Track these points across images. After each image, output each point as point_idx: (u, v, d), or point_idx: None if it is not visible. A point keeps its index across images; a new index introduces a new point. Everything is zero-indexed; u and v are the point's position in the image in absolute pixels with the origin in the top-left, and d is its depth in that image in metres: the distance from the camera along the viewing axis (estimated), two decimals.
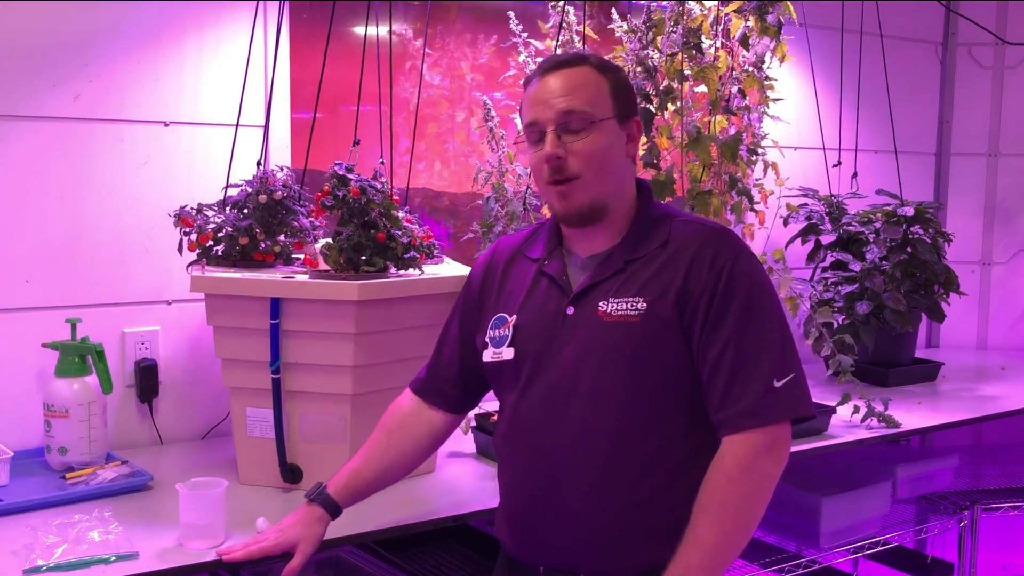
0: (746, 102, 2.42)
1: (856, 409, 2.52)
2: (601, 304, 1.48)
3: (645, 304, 1.46)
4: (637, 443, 1.46)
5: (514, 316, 1.57)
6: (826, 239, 3.14)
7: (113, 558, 1.60)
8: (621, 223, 1.55)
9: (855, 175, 3.25)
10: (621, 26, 2.49)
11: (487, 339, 1.59)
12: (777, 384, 1.45)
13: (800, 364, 1.50)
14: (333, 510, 1.66)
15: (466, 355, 1.68)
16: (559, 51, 2.42)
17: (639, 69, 2.35)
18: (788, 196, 3.01)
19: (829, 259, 3.13)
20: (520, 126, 1.63)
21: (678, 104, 2.34)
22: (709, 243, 1.48)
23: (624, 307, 1.47)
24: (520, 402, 1.55)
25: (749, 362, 1.45)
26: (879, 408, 2.51)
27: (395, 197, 2.13)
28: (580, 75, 1.51)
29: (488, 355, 1.59)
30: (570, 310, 1.51)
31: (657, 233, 1.52)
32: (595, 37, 2.53)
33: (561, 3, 2.44)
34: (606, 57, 2.45)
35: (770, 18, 2.33)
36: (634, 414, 1.46)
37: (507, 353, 1.55)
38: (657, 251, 1.50)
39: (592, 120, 1.49)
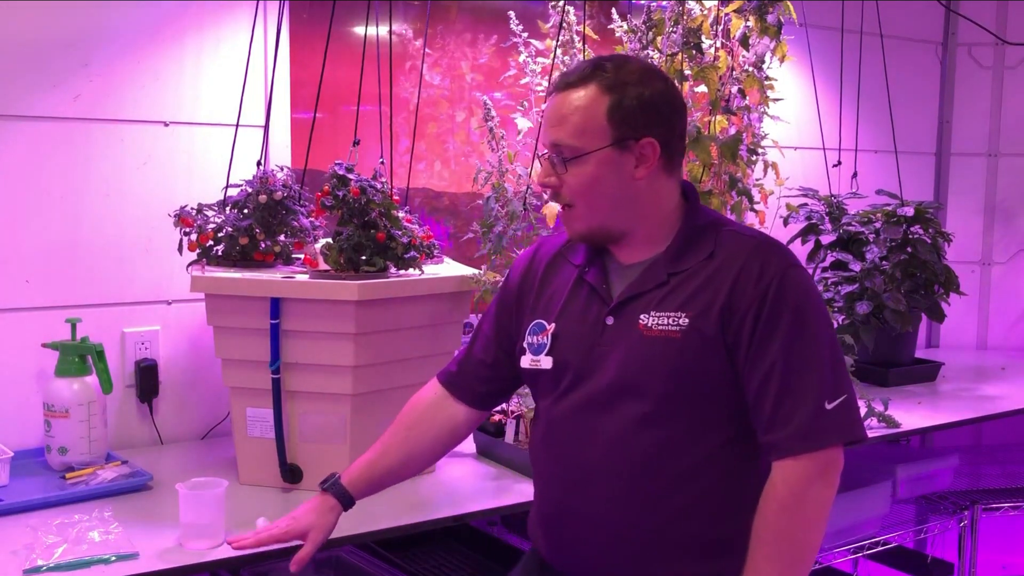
0: (746, 102, 2.42)
1: None
2: (642, 317, 1.43)
3: (687, 320, 1.41)
4: (671, 459, 1.42)
5: (552, 324, 1.52)
6: (826, 239, 3.14)
7: (113, 558, 1.60)
8: (662, 233, 1.48)
9: (855, 175, 3.25)
10: (621, 26, 2.49)
11: (525, 345, 1.55)
12: (828, 406, 1.39)
13: (851, 384, 1.44)
14: (346, 501, 1.61)
15: (499, 354, 1.64)
16: (559, 51, 2.42)
17: None
18: (788, 196, 3.01)
19: (829, 259, 3.13)
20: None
21: None
22: (756, 256, 1.42)
23: (666, 322, 1.42)
24: (556, 410, 1.51)
25: (799, 382, 1.38)
26: (879, 408, 2.51)
27: (395, 197, 2.13)
28: (577, 100, 1.44)
29: (526, 362, 1.54)
30: (609, 320, 1.47)
31: (704, 244, 1.46)
32: (595, 37, 2.53)
33: (561, 3, 2.44)
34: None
35: (770, 18, 2.33)
36: (670, 430, 1.42)
37: (545, 362, 1.51)
38: (702, 264, 1.44)
39: (578, 153, 1.43)
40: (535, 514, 1.59)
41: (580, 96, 1.44)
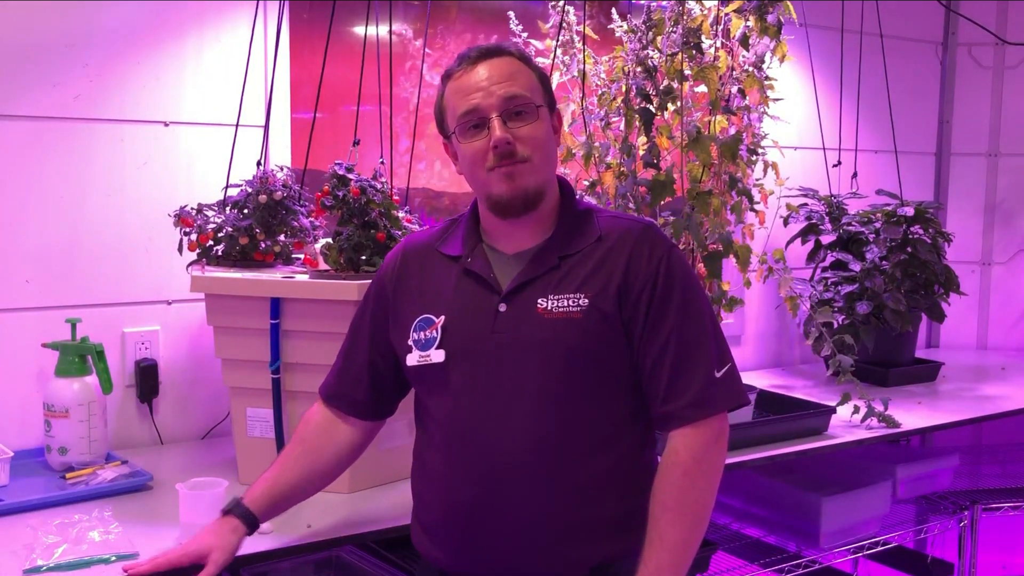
0: (746, 102, 2.42)
1: (856, 409, 2.52)
2: (540, 301, 1.47)
3: (587, 300, 1.46)
4: (581, 438, 1.46)
5: (442, 316, 1.51)
6: (826, 239, 3.14)
7: (113, 558, 1.60)
8: (547, 218, 1.54)
9: (855, 175, 3.25)
10: (621, 26, 2.49)
11: (411, 343, 1.53)
12: (717, 374, 1.48)
13: (730, 352, 1.53)
14: (250, 521, 1.59)
15: (377, 359, 1.63)
16: (559, 51, 2.42)
17: (639, 69, 2.35)
18: (788, 196, 3.01)
19: (829, 259, 3.13)
20: (443, 122, 1.57)
21: (678, 104, 2.34)
22: (645, 239, 1.50)
23: (566, 303, 1.46)
24: (456, 406, 1.50)
25: (691, 355, 1.47)
26: (879, 408, 2.51)
27: (395, 197, 2.13)
28: (512, 64, 1.51)
29: (414, 359, 1.52)
30: (502, 307, 1.48)
31: (588, 229, 1.53)
32: (595, 37, 2.53)
33: (561, 3, 2.43)
34: (603, 60, 2.45)
35: (770, 18, 2.33)
36: (577, 409, 1.46)
37: (436, 356, 1.50)
38: (593, 246, 1.51)
39: (536, 105, 1.50)
40: (430, 522, 1.56)
41: (513, 61, 1.52)
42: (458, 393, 1.50)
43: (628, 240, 1.50)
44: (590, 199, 2.41)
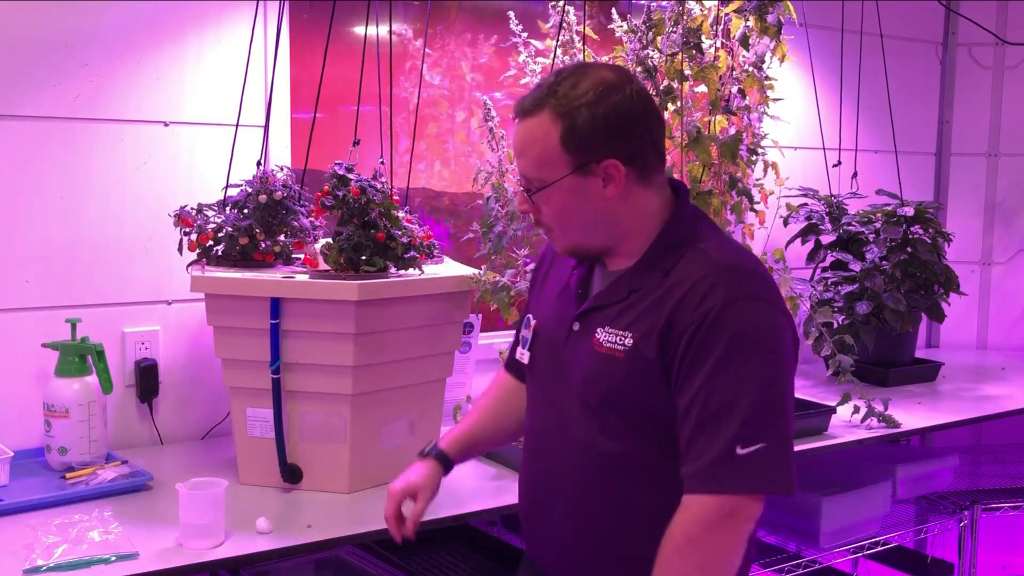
0: (746, 102, 2.42)
1: (856, 409, 2.52)
2: (598, 331, 1.43)
3: (631, 340, 1.38)
4: (616, 472, 1.42)
5: (535, 320, 1.56)
6: (826, 239, 3.14)
7: (113, 558, 1.60)
8: (643, 243, 1.44)
9: (855, 175, 3.25)
10: (621, 26, 2.49)
11: (520, 336, 1.61)
12: (740, 451, 1.30)
13: (781, 435, 1.34)
14: (446, 464, 1.64)
15: None
16: (559, 51, 2.42)
17: (639, 69, 2.35)
18: (788, 196, 3.01)
19: (829, 259, 3.13)
20: None
21: (678, 104, 2.34)
22: (708, 279, 1.35)
23: (614, 339, 1.40)
24: (531, 406, 1.57)
25: (714, 419, 1.31)
26: (879, 408, 2.51)
27: (395, 197, 2.13)
28: (532, 129, 1.40)
29: (518, 353, 1.60)
30: (576, 326, 1.47)
31: (664, 263, 1.41)
32: (595, 37, 2.53)
33: (561, 3, 2.43)
34: (605, 59, 2.45)
35: (770, 18, 2.33)
36: (618, 446, 1.41)
37: (524, 356, 1.56)
38: (658, 282, 1.40)
39: (542, 185, 1.41)
40: (520, 505, 1.62)
41: (536, 123, 1.39)
42: (533, 394, 1.56)
43: (690, 279, 1.36)
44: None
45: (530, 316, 1.58)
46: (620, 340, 1.39)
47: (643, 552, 1.37)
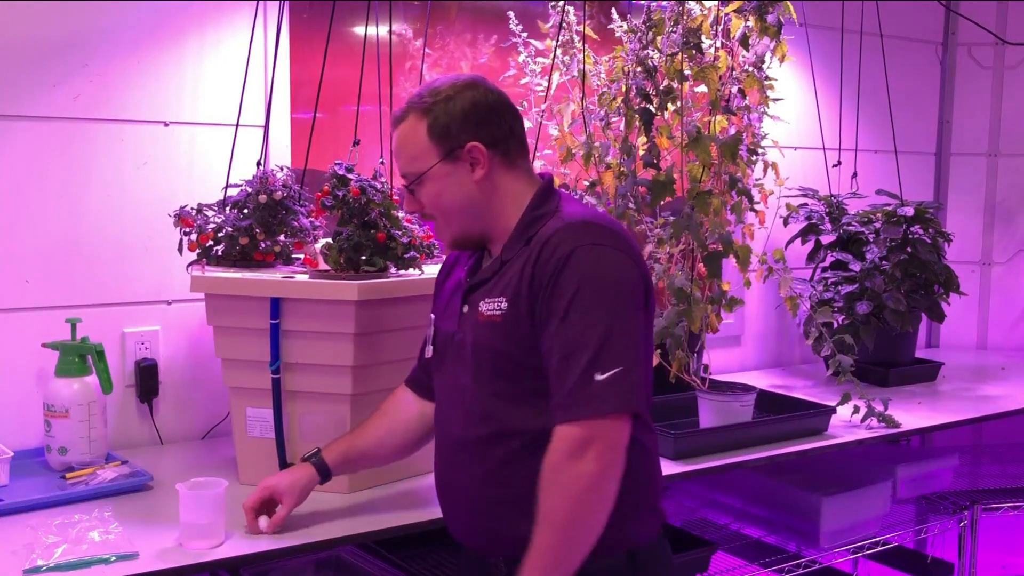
0: (746, 102, 2.42)
1: (856, 409, 2.52)
2: (480, 304, 1.56)
3: (506, 303, 1.52)
4: (515, 432, 1.52)
5: (434, 316, 1.71)
6: (826, 239, 3.14)
7: (113, 558, 1.60)
8: (512, 225, 1.59)
9: (855, 175, 3.25)
10: (621, 26, 2.49)
11: (426, 336, 1.72)
12: (599, 377, 1.40)
13: (636, 361, 1.44)
14: (323, 471, 1.78)
15: None
16: (559, 51, 2.42)
17: (639, 69, 2.35)
18: (788, 196, 3.01)
19: (829, 259, 3.13)
20: None
21: (678, 104, 2.34)
22: (556, 237, 1.49)
23: (492, 306, 1.53)
24: (437, 395, 1.69)
25: (572, 353, 1.43)
26: (879, 408, 2.51)
27: (395, 197, 2.13)
28: (404, 131, 1.58)
29: (427, 351, 1.71)
30: (465, 308, 1.60)
31: (528, 233, 1.56)
32: (595, 37, 2.53)
33: (561, 3, 2.44)
34: (603, 60, 2.45)
35: (770, 18, 2.33)
36: (510, 405, 1.52)
37: (428, 351, 1.69)
38: (522, 250, 1.54)
39: (416, 176, 1.58)
40: None
41: (405, 127, 1.58)
42: (438, 384, 1.69)
43: (542, 240, 1.51)
44: (588, 199, 2.41)
45: (433, 316, 1.71)
46: (497, 306, 1.53)
47: (520, 495, 1.48)
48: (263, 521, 1.73)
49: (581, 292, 1.44)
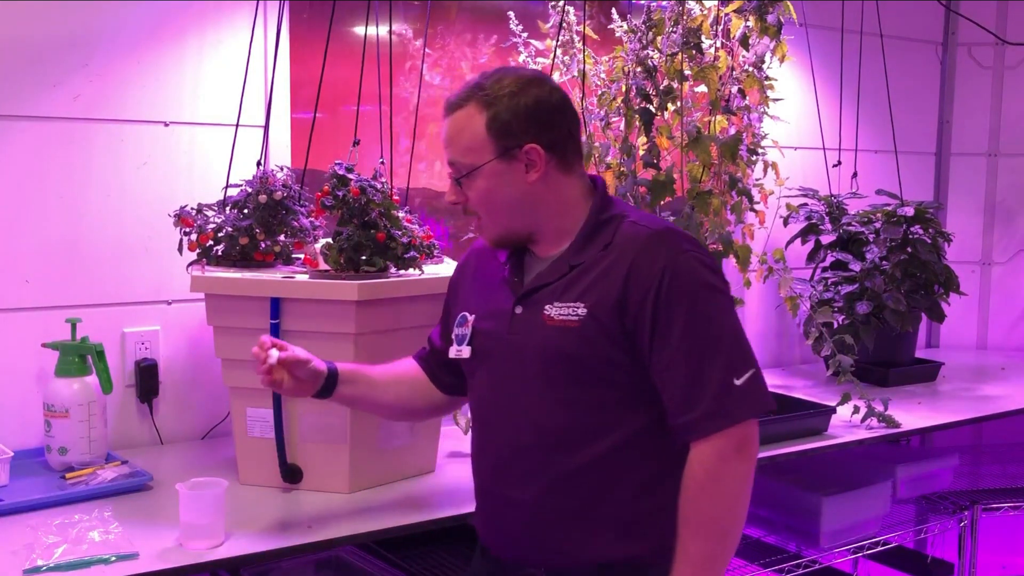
0: (746, 102, 2.42)
1: (856, 409, 2.52)
2: (547, 308, 1.50)
3: (585, 310, 1.47)
4: (581, 443, 1.48)
5: (473, 315, 1.62)
6: (826, 239, 3.14)
7: (113, 558, 1.60)
8: (570, 228, 1.55)
9: (855, 175, 3.25)
10: (621, 26, 2.49)
11: (453, 336, 1.64)
12: (737, 382, 1.43)
13: (755, 360, 1.48)
14: (332, 375, 1.66)
15: (446, 347, 1.71)
16: (559, 51, 2.43)
17: (639, 69, 2.35)
18: (788, 196, 3.01)
19: (829, 259, 3.13)
20: None
21: (678, 104, 2.34)
22: (649, 246, 1.47)
23: (566, 311, 1.48)
24: (480, 397, 1.61)
25: (705, 364, 1.43)
26: (879, 408, 2.51)
27: (395, 197, 2.13)
28: (459, 120, 1.53)
29: (452, 352, 1.63)
30: (519, 309, 1.54)
31: (603, 236, 1.52)
32: (595, 37, 2.53)
33: (561, 3, 2.44)
34: (603, 60, 2.45)
35: (770, 18, 2.33)
36: (578, 415, 1.48)
37: (465, 351, 1.61)
38: (600, 255, 1.50)
39: (469, 169, 1.53)
40: (475, 499, 1.66)
41: (463, 115, 1.52)
42: (480, 387, 1.61)
43: (631, 249, 1.48)
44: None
45: (465, 313, 1.63)
46: (572, 311, 1.48)
47: (611, 514, 1.48)
48: (273, 356, 1.61)
49: (698, 301, 1.44)
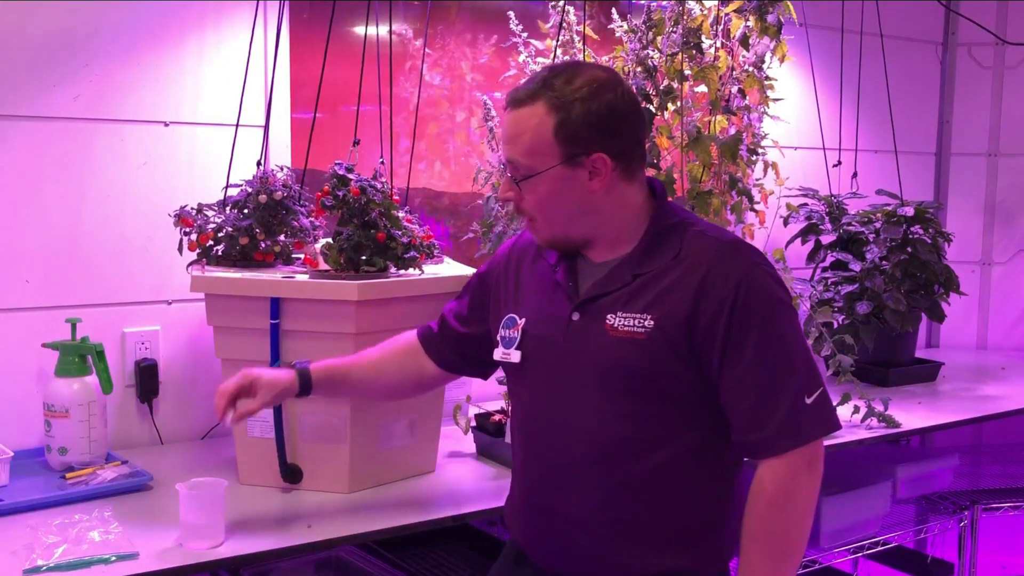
0: (746, 102, 2.42)
1: (856, 409, 2.52)
2: (609, 317, 1.45)
3: (652, 322, 1.42)
4: (637, 456, 1.45)
5: (523, 319, 1.55)
6: (826, 239, 3.14)
7: (113, 558, 1.60)
8: (629, 234, 1.50)
9: (855, 175, 3.25)
10: (621, 26, 2.49)
11: (498, 337, 1.59)
12: (808, 400, 1.42)
13: (821, 375, 1.47)
14: (304, 383, 1.68)
15: (469, 332, 1.69)
16: (559, 51, 2.42)
17: (639, 69, 2.35)
18: (788, 196, 3.01)
19: (829, 259, 3.13)
20: None
21: (678, 104, 2.34)
22: (722, 259, 1.43)
23: (631, 323, 1.44)
24: (529, 403, 1.56)
25: (777, 383, 1.41)
26: (879, 408, 2.51)
27: (395, 197, 2.13)
28: (525, 118, 1.44)
29: (498, 354, 1.58)
30: (575, 316, 1.49)
31: (669, 245, 1.47)
32: (595, 37, 2.53)
33: (561, 3, 2.43)
34: (603, 60, 2.45)
35: (770, 18, 2.33)
36: (636, 427, 1.45)
37: (515, 356, 1.55)
38: (668, 266, 1.45)
39: (530, 173, 1.45)
40: (513, 504, 1.63)
41: (530, 112, 1.44)
42: (530, 393, 1.55)
43: (703, 262, 1.43)
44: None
45: (514, 316, 1.57)
46: (639, 322, 1.43)
47: (663, 527, 1.46)
48: (230, 416, 1.66)
49: (773, 318, 1.42)
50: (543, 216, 1.49)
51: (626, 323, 1.44)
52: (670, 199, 2.31)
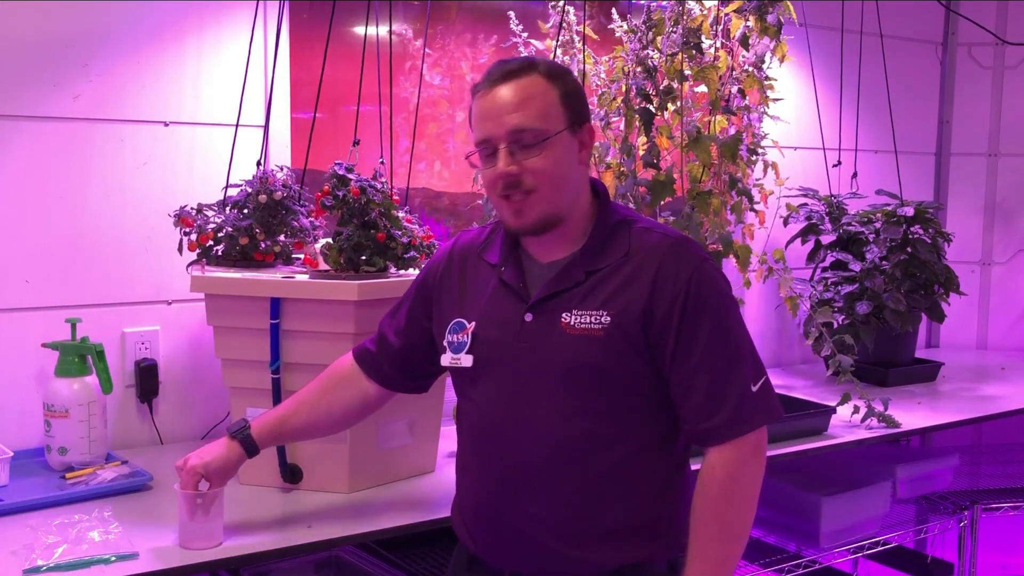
0: (746, 102, 2.42)
1: (856, 409, 2.52)
2: (564, 316, 1.47)
3: (609, 319, 1.45)
4: (597, 452, 1.46)
5: (472, 323, 1.55)
6: (826, 239, 3.14)
7: (113, 558, 1.60)
8: (579, 229, 1.52)
9: (855, 175, 3.25)
10: (621, 26, 2.49)
11: (445, 343, 1.58)
12: (754, 388, 1.47)
13: (763, 365, 1.52)
14: (250, 448, 1.71)
15: (410, 343, 1.68)
16: (559, 51, 2.43)
17: (639, 69, 2.35)
18: (788, 196, 3.01)
19: (829, 259, 3.13)
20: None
21: (678, 104, 2.34)
22: (671, 257, 1.47)
23: (588, 320, 1.45)
24: (484, 405, 1.54)
25: (727, 372, 1.46)
26: (879, 408, 2.51)
27: (395, 197, 2.13)
28: (530, 86, 1.46)
29: (447, 360, 1.57)
30: (528, 317, 1.49)
31: (617, 242, 1.50)
32: (595, 37, 2.53)
33: (561, 3, 2.44)
34: (603, 60, 2.45)
35: (770, 18, 2.33)
36: (595, 424, 1.46)
37: (465, 360, 1.54)
38: (619, 262, 1.48)
39: (545, 136, 1.45)
40: (462, 509, 1.61)
41: (532, 81, 1.47)
42: (483, 398, 1.54)
43: (655, 257, 1.47)
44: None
45: (462, 320, 1.56)
46: (596, 319, 1.45)
47: (622, 521, 1.48)
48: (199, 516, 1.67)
49: (721, 312, 1.47)
50: (549, 184, 1.47)
51: (583, 320, 1.46)
52: (668, 199, 2.34)
